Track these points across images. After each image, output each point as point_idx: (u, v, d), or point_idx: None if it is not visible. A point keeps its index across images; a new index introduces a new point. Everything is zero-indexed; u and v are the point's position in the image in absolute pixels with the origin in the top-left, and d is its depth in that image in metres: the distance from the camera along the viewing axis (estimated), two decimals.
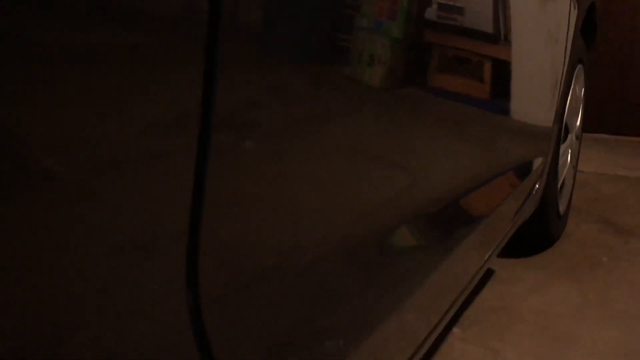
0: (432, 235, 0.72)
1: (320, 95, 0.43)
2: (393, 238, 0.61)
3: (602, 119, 3.73)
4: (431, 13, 0.61)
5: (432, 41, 0.63)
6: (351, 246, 0.51)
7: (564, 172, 1.62)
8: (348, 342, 0.49)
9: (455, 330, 1.17)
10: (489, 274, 1.47)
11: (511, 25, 0.88)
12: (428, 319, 0.71)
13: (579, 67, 1.61)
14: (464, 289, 0.86)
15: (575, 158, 1.77)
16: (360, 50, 0.47)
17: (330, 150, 0.46)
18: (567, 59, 1.38)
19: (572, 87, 1.53)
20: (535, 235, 1.55)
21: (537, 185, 1.27)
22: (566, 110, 1.50)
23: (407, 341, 0.64)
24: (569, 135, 1.63)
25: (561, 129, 1.49)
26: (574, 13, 1.39)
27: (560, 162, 1.54)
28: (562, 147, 1.54)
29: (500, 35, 0.88)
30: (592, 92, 2.04)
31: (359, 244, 0.53)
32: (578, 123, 1.73)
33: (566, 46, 1.35)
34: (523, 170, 1.14)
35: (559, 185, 1.55)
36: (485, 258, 0.98)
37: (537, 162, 1.24)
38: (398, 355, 0.62)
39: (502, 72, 0.93)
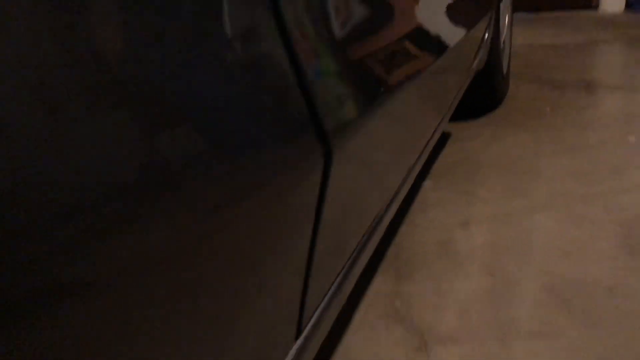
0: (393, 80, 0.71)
1: None
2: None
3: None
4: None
5: None
6: None
7: (504, 31, 1.67)
8: None
9: (426, 183, 1.22)
10: (446, 136, 1.52)
11: None
12: (399, 172, 0.73)
13: None
14: (429, 141, 0.88)
15: (510, 20, 1.82)
16: None
17: None
18: None
19: None
20: (484, 96, 1.61)
21: (486, 35, 1.30)
22: None
23: (383, 192, 0.65)
24: None
25: None
26: None
27: (501, 19, 1.57)
28: (502, 5, 1.58)
29: None
30: None
31: None
32: None
33: None
34: (477, 19, 1.16)
35: (502, 42, 1.60)
36: (449, 106, 1.01)
37: (487, 14, 1.27)
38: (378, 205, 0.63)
39: None
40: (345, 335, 0.75)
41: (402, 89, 0.61)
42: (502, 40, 1.61)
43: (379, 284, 0.86)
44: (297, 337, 0.39)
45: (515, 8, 3.71)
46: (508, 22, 1.74)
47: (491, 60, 1.49)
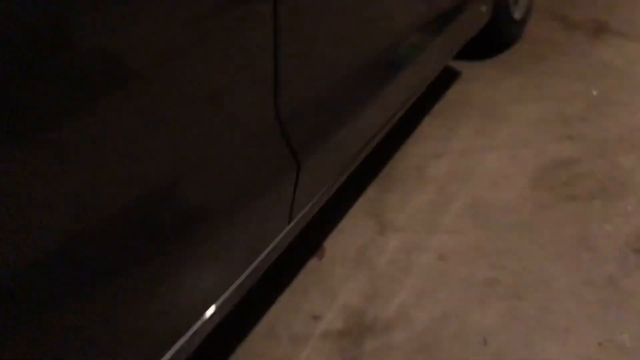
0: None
1: None
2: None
3: None
4: None
5: None
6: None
7: None
8: None
9: (426, 119, 1.69)
10: (456, 75, 1.94)
11: None
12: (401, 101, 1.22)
13: None
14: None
15: None
16: None
17: None
18: None
19: None
20: (492, 39, 1.97)
21: None
22: None
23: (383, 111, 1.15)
24: None
25: None
26: None
27: None
28: None
29: None
30: None
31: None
32: None
33: None
34: None
35: None
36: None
37: None
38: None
39: None
40: (339, 222, 1.30)
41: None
42: None
43: (369, 192, 1.39)
44: (289, 223, 0.91)
45: None
46: None
47: (499, 6, 1.82)
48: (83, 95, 0.48)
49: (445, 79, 1.86)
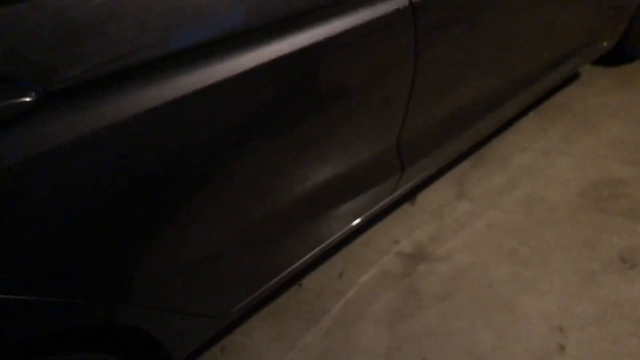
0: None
1: None
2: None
3: None
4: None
5: None
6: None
7: None
8: None
9: (530, 113, 2.18)
10: (576, 76, 2.34)
11: None
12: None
13: None
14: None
15: None
16: None
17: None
18: None
19: None
20: (618, 51, 2.30)
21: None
22: None
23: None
24: None
25: None
26: None
27: None
28: None
29: None
30: None
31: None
32: None
33: None
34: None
35: None
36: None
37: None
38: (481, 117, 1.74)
39: None
40: (435, 181, 1.94)
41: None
42: None
43: (464, 164, 2.00)
44: (391, 194, 1.59)
45: None
46: None
47: (632, 23, 2.14)
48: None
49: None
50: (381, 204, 1.56)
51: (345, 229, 1.45)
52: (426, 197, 1.90)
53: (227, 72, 0.86)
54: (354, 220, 1.47)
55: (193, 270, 1.02)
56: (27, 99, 0.66)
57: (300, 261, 1.36)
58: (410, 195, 1.90)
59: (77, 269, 0.81)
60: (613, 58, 2.33)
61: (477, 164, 2.00)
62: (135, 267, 0.90)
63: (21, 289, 0.74)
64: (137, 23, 0.77)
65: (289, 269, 1.33)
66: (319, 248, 1.39)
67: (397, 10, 1.08)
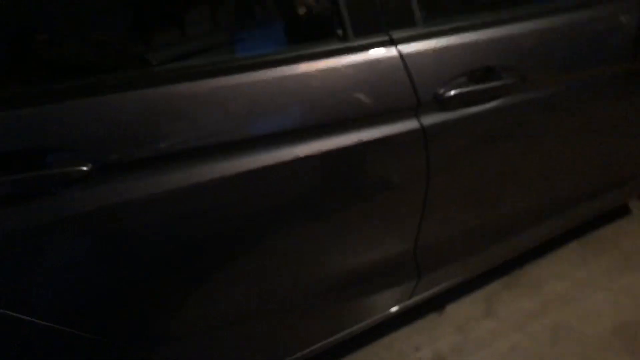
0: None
1: None
2: None
3: None
4: None
5: None
6: None
7: None
8: None
9: (573, 242, 2.18)
10: (627, 211, 2.33)
11: None
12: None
13: None
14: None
15: None
16: None
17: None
18: None
19: None
20: None
21: None
22: None
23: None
24: None
25: None
26: None
27: None
28: None
29: None
30: None
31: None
32: None
33: None
34: None
35: None
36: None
37: None
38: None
39: None
40: (467, 294, 1.96)
41: None
42: None
43: (495, 284, 2.02)
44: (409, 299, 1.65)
45: None
46: None
47: None
48: None
49: (614, 212, 2.29)
50: (397, 307, 1.61)
51: (357, 326, 1.52)
52: (454, 309, 1.93)
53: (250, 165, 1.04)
54: (369, 318, 1.54)
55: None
56: (84, 168, 0.84)
57: (310, 349, 1.43)
58: (439, 305, 1.94)
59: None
60: None
61: (509, 284, 2.01)
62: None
63: None
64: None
65: (302, 353, 1.41)
66: (327, 340, 1.46)
67: (407, 132, 1.21)
